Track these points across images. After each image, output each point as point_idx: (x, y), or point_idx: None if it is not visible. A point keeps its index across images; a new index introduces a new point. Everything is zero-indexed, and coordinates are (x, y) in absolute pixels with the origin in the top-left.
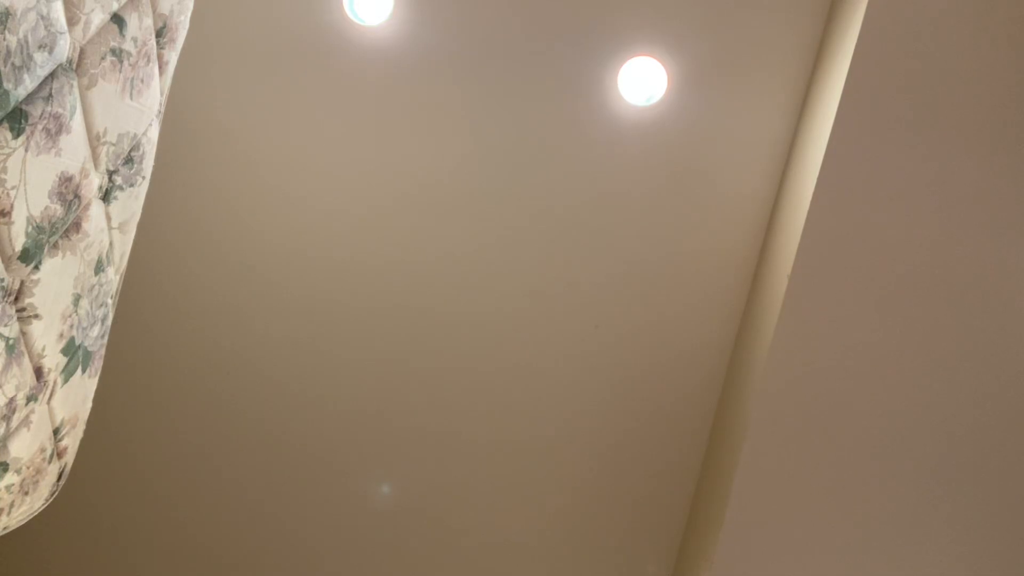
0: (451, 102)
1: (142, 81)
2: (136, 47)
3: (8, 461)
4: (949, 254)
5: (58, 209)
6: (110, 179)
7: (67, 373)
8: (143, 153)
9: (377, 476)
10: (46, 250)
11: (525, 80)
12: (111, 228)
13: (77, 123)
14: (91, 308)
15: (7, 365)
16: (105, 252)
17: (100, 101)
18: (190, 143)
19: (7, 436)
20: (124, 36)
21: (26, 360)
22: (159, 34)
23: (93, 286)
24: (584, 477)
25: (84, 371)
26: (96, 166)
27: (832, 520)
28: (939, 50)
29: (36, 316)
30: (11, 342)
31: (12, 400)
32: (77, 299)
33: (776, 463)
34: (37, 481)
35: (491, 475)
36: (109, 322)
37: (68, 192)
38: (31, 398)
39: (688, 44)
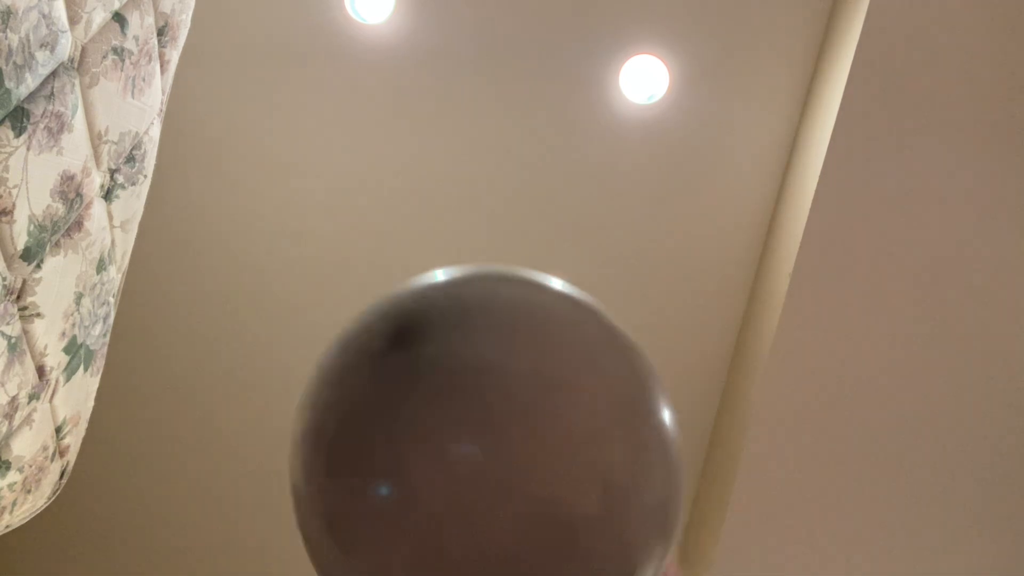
0: (452, 100)
1: (144, 80)
2: (138, 46)
3: (10, 459)
4: (950, 253)
5: (60, 208)
6: (112, 178)
7: (69, 372)
8: (145, 152)
9: None
10: (48, 249)
11: (527, 78)
12: (113, 227)
13: (79, 122)
14: (93, 307)
15: (9, 363)
16: (107, 251)
17: (102, 100)
18: (191, 141)
19: (9, 434)
20: (126, 35)
21: (28, 358)
22: (160, 32)
23: (95, 285)
24: None
25: (86, 370)
26: (98, 164)
27: (832, 520)
28: (940, 50)
29: (38, 315)
30: (13, 340)
31: (14, 398)
32: (79, 298)
33: (777, 463)
34: (39, 479)
35: None
36: (111, 320)
37: (70, 191)
38: (33, 396)
39: (690, 42)
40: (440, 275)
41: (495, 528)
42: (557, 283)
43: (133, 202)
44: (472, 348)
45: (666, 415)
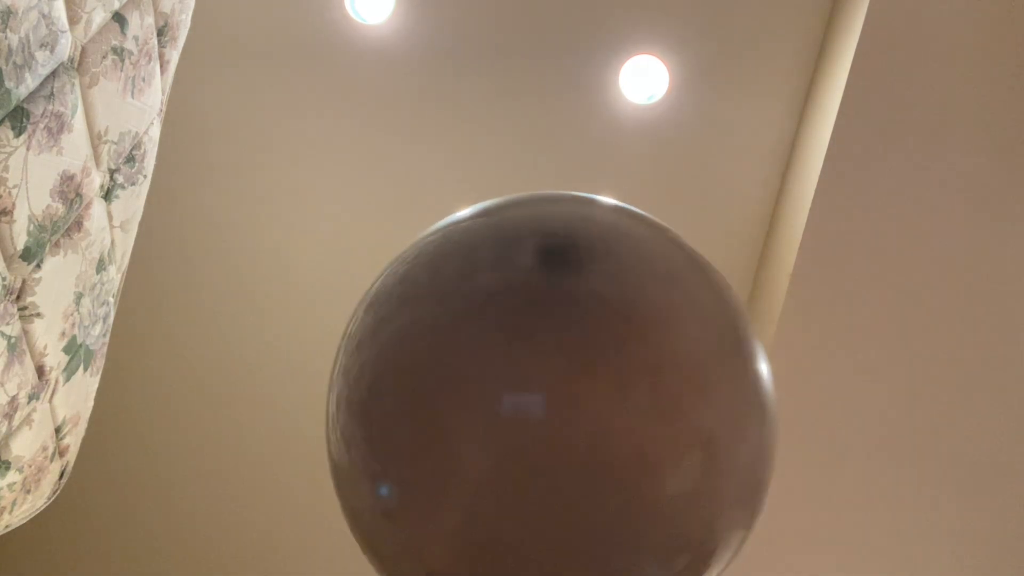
0: (452, 100)
1: (143, 80)
2: (137, 46)
3: (10, 459)
4: (950, 253)
5: (60, 208)
6: (111, 178)
7: (69, 371)
8: (144, 152)
9: None
10: (48, 249)
11: (527, 78)
12: (113, 227)
13: (78, 122)
14: (93, 307)
15: (9, 363)
16: (107, 251)
17: (101, 100)
18: (191, 141)
19: (9, 434)
20: (125, 35)
21: (28, 358)
22: (160, 33)
23: (95, 285)
24: None
25: (86, 369)
26: (98, 164)
27: (833, 522)
28: (940, 49)
29: (38, 315)
30: (13, 340)
31: (14, 398)
32: (79, 298)
33: (777, 464)
34: (39, 479)
35: None
36: (111, 320)
37: (70, 191)
38: (33, 396)
39: (690, 42)
40: (468, 211)
41: (560, 503)
42: (616, 202)
43: (133, 202)
44: (526, 272)
45: (764, 360)
